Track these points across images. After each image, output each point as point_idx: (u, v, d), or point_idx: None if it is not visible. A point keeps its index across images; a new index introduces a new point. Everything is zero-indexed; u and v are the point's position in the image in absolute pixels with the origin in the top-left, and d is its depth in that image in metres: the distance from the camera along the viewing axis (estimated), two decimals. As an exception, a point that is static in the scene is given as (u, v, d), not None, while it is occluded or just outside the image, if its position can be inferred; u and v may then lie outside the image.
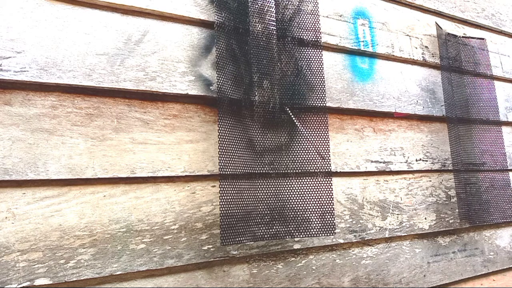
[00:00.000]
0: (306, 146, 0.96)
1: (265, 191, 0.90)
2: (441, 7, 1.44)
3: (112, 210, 0.78)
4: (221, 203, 0.82)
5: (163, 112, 0.86)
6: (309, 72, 1.01)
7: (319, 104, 1.00)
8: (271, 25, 0.96)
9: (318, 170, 0.96)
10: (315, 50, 1.02)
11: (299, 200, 0.93)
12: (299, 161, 0.95)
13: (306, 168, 0.95)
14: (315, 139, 0.97)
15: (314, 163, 0.96)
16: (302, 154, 0.96)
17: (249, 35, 0.94)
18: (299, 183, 0.94)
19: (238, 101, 0.91)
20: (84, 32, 0.79)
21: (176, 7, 0.90)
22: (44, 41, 0.75)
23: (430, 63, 1.35)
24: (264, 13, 0.96)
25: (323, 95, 1.00)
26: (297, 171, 0.95)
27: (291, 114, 0.96)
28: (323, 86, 1.01)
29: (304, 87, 0.99)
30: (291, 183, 0.93)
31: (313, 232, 0.93)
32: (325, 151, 0.97)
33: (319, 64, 1.02)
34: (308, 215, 0.93)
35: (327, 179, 0.96)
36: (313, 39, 1.03)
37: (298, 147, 0.96)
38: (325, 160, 0.97)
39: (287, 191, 0.93)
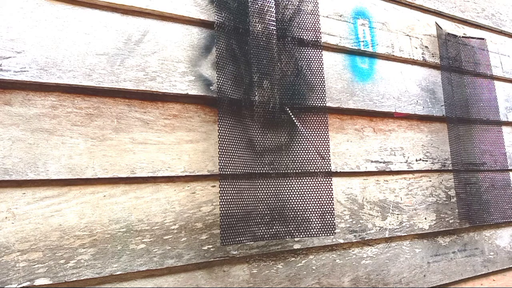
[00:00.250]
0: (306, 146, 0.96)
1: (265, 191, 0.90)
2: (441, 7, 1.44)
3: (112, 210, 0.78)
4: (221, 203, 0.82)
5: (163, 112, 0.86)
6: (309, 72, 1.01)
7: (319, 104, 1.00)
8: (271, 25, 0.96)
9: (318, 170, 0.96)
10: (315, 50, 1.02)
11: (299, 200, 0.93)
12: (299, 161, 0.95)
13: (306, 168, 0.95)
14: (315, 139, 0.97)
15: (314, 163, 0.96)
16: (302, 154, 0.96)
17: (249, 35, 0.94)
18: (299, 183, 0.94)
19: (238, 101, 0.91)
20: (84, 32, 0.79)
21: (176, 7, 0.90)
22: (44, 41, 0.75)
23: (430, 63, 1.35)
24: (264, 13, 0.96)
25: (323, 95, 1.00)
26: (297, 171, 0.95)
27: (291, 114, 0.96)
28: (323, 86, 1.01)
29: (304, 87, 0.99)
30: (291, 183, 0.93)
31: (313, 232, 0.93)
32: (325, 151, 0.97)
33: (319, 64, 1.02)
34: (308, 215, 0.93)
35: (327, 179, 0.96)
36: (313, 39, 1.03)
37: (298, 147, 0.96)
38: (325, 160, 0.97)
39: (287, 191, 0.93)
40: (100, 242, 0.75)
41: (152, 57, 0.86)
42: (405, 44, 1.30)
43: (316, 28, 1.03)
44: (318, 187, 0.95)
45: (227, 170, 0.84)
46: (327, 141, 0.98)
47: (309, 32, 1.02)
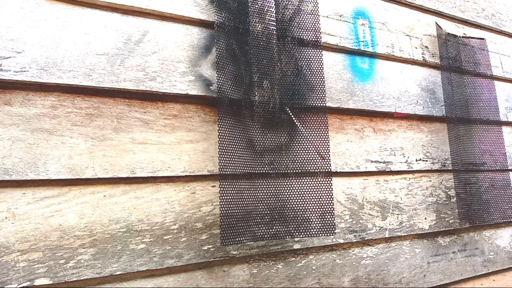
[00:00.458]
0: (306, 146, 0.96)
1: (265, 191, 0.90)
2: (441, 7, 1.44)
3: (112, 210, 0.78)
4: (221, 203, 0.82)
5: (163, 112, 0.86)
6: (309, 72, 1.01)
7: (319, 104, 0.99)
8: (271, 25, 0.96)
9: (318, 170, 0.96)
10: (315, 50, 1.02)
11: (299, 200, 0.93)
12: (299, 161, 0.95)
13: (306, 168, 0.95)
14: (315, 139, 0.97)
15: (314, 163, 0.96)
16: (302, 154, 0.96)
17: (249, 35, 0.94)
18: (299, 183, 0.94)
19: (238, 101, 0.91)
20: (84, 32, 0.79)
21: (176, 7, 0.90)
22: (44, 41, 0.75)
23: (430, 63, 1.35)
24: (264, 13, 0.96)
25: (323, 95, 1.00)
26: (297, 171, 0.95)
27: (291, 114, 0.96)
28: (323, 86, 1.01)
29: (304, 87, 0.99)
30: (291, 183, 0.93)
31: (313, 232, 0.93)
32: (325, 151, 0.97)
33: (319, 64, 1.02)
34: (308, 215, 0.93)
35: (327, 179, 0.96)
36: (313, 39, 1.03)
37: (298, 147, 0.96)
38: (325, 160, 0.97)
39: (287, 191, 0.93)
40: (100, 242, 0.75)
41: (152, 57, 0.86)
42: (405, 44, 1.30)
43: (316, 28, 1.03)
44: (318, 187, 0.95)
45: (227, 170, 0.84)
46: (327, 141, 0.98)
47: (309, 32, 1.02)
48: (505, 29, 1.63)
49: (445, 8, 1.45)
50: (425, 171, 1.27)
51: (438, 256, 1.24)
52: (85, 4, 0.81)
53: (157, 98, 0.86)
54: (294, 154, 0.95)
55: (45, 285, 0.70)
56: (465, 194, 1.27)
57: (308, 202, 0.93)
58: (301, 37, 1.02)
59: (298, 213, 0.92)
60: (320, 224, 0.93)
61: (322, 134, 0.98)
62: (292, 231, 0.91)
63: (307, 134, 0.97)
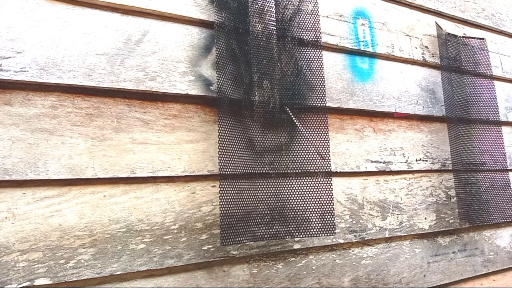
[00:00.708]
0: (306, 146, 0.96)
1: (265, 191, 0.90)
2: (441, 7, 1.44)
3: (112, 210, 0.78)
4: (221, 203, 0.82)
5: (163, 112, 0.86)
6: (309, 72, 1.01)
7: (319, 104, 1.00)
8: (271, 25, 0.96)
9: (318, 170, 0.96)
10: (315, 50, 1.02)
11: (299, 200, 0.93)
12: (299, 161, 0.95)
13: (306, 168, 0.95)
14: (315, 139, 0.97)
15: (314, 163, 0.96)
16: (302, 154, 0.96)
17: (249, 35, 0.94)
18: (299, 183, 0.94)
19: (238, 101, 0.91)
20: (84, 32, 0.79)
21: (176, 7, 0.90)
22: (44, 41, 0.75)
23: (430, 63, 1.35)
24: (264, 13, 0.96)
25: (323, 95, 1.00)
26: (297, 171, 0.95)
27: (291, 114, 0.96)
28: (323, 86, 1.01)
29: (304, 87, 0.99)
30: (291, 183, 0.93)
31: (313, 232, 0.93)
32: (325, 151, 0.97)
33: (319, 64, 1.02)
34: (308, 215, 0.93)
35: (327, 179, 0.96)
36: (313, 39, 1.03)
37: (298, 147, 0.96)
38: (325, 160, 0.97)
39: (287, 191, 0.93)
40: (100, 242, 0.75)
41: (152, 57, 0.86)
42: (405, 44, 1.30)
43: (316, 28, 1.03)
44: (318, 187, 0.95)
45: (227, 170, 0.84)
46: (327, 141, 0.98)
47: (309, 32, 1.02)
48: (505, 29, 1.63)
49: (445, 8, 1.45)
50: (425, 171, 1.27)
51: (438, 256, 1.24)
52: (85, 4, 0.81)
53: (157, 98, 0.86)
54: (294, 154, 0.95)
55: (45, 285, 0.70)
56: (465, 194, 1.27)
57: (308, 202, 0.93)
58: (301, 37, 1.02)
59: (298, 213, 0.92)
60: (320, 224, 0.93)
61: (322, 134, 0.98)
62: (292, 231, 0.91)
63: (307, 134, 0.97)
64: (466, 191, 1.27)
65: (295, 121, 0.96)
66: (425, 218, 1.22)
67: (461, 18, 1.50)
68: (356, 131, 1.14)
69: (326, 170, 0.97)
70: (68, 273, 0.72)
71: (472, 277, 1.32)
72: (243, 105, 0.91)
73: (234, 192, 0.85)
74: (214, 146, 0.90)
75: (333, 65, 1.13)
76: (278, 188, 0.92)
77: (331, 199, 0.95)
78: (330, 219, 0.94)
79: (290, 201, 0.92)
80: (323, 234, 0.93)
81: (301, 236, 0.92)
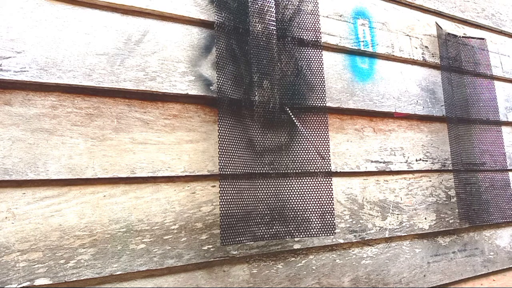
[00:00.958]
0: (306, 146, 0.96)
1: (265, 191, 0.90)
2: (441, 7, 1.44)
3: (112, 210, 0.78)
4: (221, 203, 0.82)
5: (163, 112, 0.86)
6: (309, 72, 1.01)
7: (319, 104, 1.00)
8: (271, 25, 0.96)
9: (318, 170, 0.96)
10: (315, 50, 1.02)
11: (299, 200, 0.93)
12: (299, 161, 0.95)
13: (306, 168, 0.95)
14: (315, 139, 0.97)
15: (314, 163, 0.96)
16: (302, 154, 0.96)
17: (249, 35, 0.94)
18: (299, 183, 0.94)
19: (238, 101, 0.91)
20: (84, 32, 0.79)
21: (176, 7, 0.90)
22: (44, 41, 0.75)
23: (430, 63, 1.35)
24: (264, 13, 0.96)
25: (323, 95, 1.00)
26: (297, 171, 0.95)
27: (291, 114, 0.96)
28: (323, 86, 1.01)
29: (304, 87, 0.99)
30: (291, 183, 0.93)
31: (313, 232, 0.93)
32: (325, 151, 0.97)
33: (319, 64, 1.02)
34: (308, 215, 0.93)
35: (327, 179, 0.96)
36: (313, 39, 1.03)
37: (298, 147, 0.96)
38: (325, 160, 0.97)
39: (287, 191, 0.93)
40: (100, 242, 0.75)
41: (152, 57, 0.86)
42: (405, 44, 1.30)
43: (316, 28, 1.03)
44: (318, 187, 0.95)
45: (227, 170, 0.84)
46: (327, 141, 0.98)
47: (309, 32, 1.02)
48: (505, 29, 1.63)
49: (445, 8, 1.45)
50: (425, 171, 1.27)
51: (438, 256, 1.24)
52: (85, 4, 0.81)
53: (157, 98, 0.86)
54: (294, 154, 0.95)
55: (45, 285, 0.70)
56: (465, 194, 1.27)
57: (308, 202, 0.93)
58: (301, 37, 1.02)
59: (298, 213, 0.92)
60: (320, 224, 0.93)
61: (322, 134, 0.98)
62: (292, 231, 0.91)
63: (307, 134, 0.97)
64: (466, 191, 1.27)
65: (295, 121, 0.96)
66: (425, 218, 1.22)
67: (461, 18, 1.50)
68: (356, 131, 1.14)
69: (326, 170, 0.97)
70: (68, 273, 0.72)
71: (472, 277, 1.32)
72: (243, 105, 0.91)
73: (234, 192, 0.85)
74: (214, 146, 0.90)
75: (333, 65, 1.13)
76: (278, 188, 0.92)
77: (331, 199, 0.95)
78: (330, 219, 0.94)
79: (290, 201, 0.92)
80: (323, 234, 0.93)
81: (301, 236, 0.92)
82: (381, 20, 1.26)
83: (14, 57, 0.72)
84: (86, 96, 0.79)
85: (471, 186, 1.29)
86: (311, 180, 0.95)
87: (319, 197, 0.94)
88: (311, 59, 1.01)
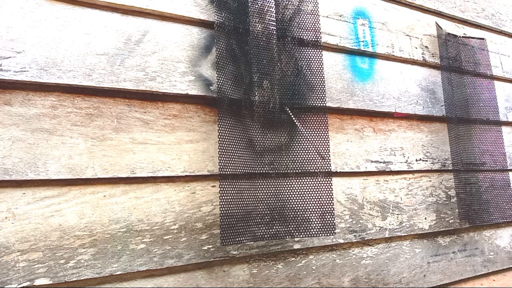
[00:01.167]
0: (306, 146, 0.96)
1: (265, 191, 0.90)
2: (441, 7, 1.44)
3: (112, 210, 0.78)
4: (221, 203, 0.82)
5: (163, 112, 0.86)
6: (309, 72, 1.01)
7: (319, 104, 1.00)
8: (271, 25, 0.96)
9: (318, 170, 0.96)
10: (315, 50, 1.02)
11: (299, 200, 0.93)
12: (299, 161, 0.95)
13: (306, 168, 0.95)
14: (315, 139, 0.97)
15: (314, 163, 0.96)
16: (302, 154, 0.96)
17: (249, 35, 0.94)
18: (299, 183, 0.94)
19: (238, 101, 0.91)
20: (84, 32, 0.79)
21: (176, 7, 0.90)
22: (44, 41, 0.75)
23: (430, 63, 1.35)
24: (264, 13, 0.96)
25: (323, 95, 1.00)
26: (297, 171, 0.95)
27: (291, 114, 0.96)
28: (323, 86, 1.01)
29: (304, 87, 0.99)
30: (291, 183, 0.93)
31: (313, 232, 0.93)
32: (325, 151, 0.97)
33: (319, 64, 1.02)
34: (308, 215, 0.93)
35: (327, 179, 0.96)
36: (313, 39, 1.03)
37: (298, 147, 0.96)
38: (325, 160, 0.97)
39: (287, 191, 0.93)
40: (100, 242, 0.75)
41: (152, 57, 0.86)
42: (405, 44, 1.30)
43: (316, 28, 1.03)
44: (318, 187, 0.95)
45: (227, 170, 0.84)
46: (327, 141, 0.98)
47: (309, 32, 1.02)
48: (505, 29, 1.63)
49: (445, 8, 1.45)
50: (425, 171, 1.27)
51: (438, 256, 1.24)
52: (85, 4, 0.81)
53: (157, 98, 0.86)
54: (294, 154, 0.95)
55: (45, 285, 0.70)
56: (465, 194, 1.27)
57: (308, 202, 0.93)
58: (301, 37, 1.02)
59: (298, 213, 0.92)
60: (320, 224, 0.93)
61: (322, 134, 0.98)
62: (292, 231, 0.91)
63: (307, 134, 0.97)
64: (466, 191, 1.27)
65: (295, 121, 0.96)
66: (425, 218, 1.22)
67: (461, 18, 1.50)
68: (356, 131, 1.14)
69: (326, 170, 0.97)
70: (68, 273, 0.72)
71: (472, 277, 1.32)
72: (243, 105, 0.91)
73: (234, 192, 0.85)
74: (214, 146, 0.90)
75: (333, 65, 1.13)
76: (278, 188, 0.92)
77: (331, 199, 0.95)
78: (330, 219, 0.94)
79: (290, 201, 0.92)
80: (323, 234, 0.93)
81: (301, 236, 0.92)
82: (381, 20, 1.26)
83: (14, 57, 0.72)
84: (86, 96, 0.79)
85: (471, 186, 1.29)
86: (311, 180, 0.95)
87: (319, 197, 0.94)
88: (311, 59, 1.01)
